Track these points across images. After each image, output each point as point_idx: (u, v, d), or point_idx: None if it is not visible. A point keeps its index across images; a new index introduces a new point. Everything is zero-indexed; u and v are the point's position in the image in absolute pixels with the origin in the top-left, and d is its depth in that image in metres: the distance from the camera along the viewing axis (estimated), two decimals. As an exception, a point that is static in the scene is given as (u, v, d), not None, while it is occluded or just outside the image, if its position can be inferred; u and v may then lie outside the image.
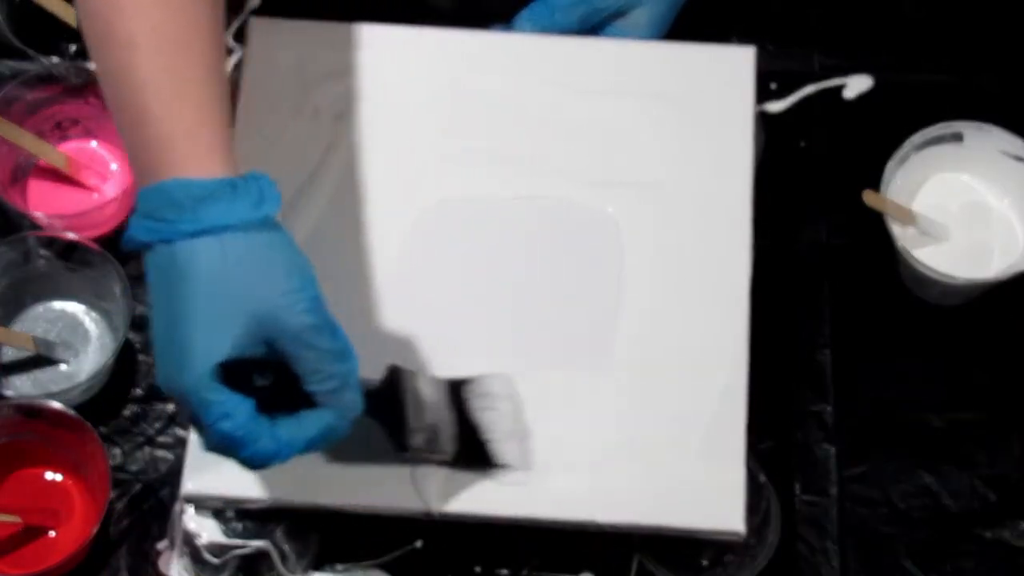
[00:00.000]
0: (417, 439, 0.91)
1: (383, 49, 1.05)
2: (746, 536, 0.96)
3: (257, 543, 0.98)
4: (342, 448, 0.95)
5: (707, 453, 0.96)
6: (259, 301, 0.80)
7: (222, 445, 0.81)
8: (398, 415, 0.91)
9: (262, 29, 1.06)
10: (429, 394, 0.93)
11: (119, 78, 0.83)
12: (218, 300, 0.80)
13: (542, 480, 0.96)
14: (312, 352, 0.81)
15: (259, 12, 1.17)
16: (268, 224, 0.82)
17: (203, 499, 0.97)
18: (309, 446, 0.83)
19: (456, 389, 0.94)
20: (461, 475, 0.96)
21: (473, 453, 0.94)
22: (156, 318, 0.81)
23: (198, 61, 0.83)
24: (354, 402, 0.83)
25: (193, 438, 0.96)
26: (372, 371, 0.91)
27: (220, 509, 1.01)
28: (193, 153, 0.81)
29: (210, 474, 0.95)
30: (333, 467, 0.96)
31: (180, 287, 0.80)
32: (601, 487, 0.96)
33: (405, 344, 0.99)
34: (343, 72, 1.05)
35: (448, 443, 0.93)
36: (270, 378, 0.83)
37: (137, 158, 0.83)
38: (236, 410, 0.80)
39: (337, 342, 0.82)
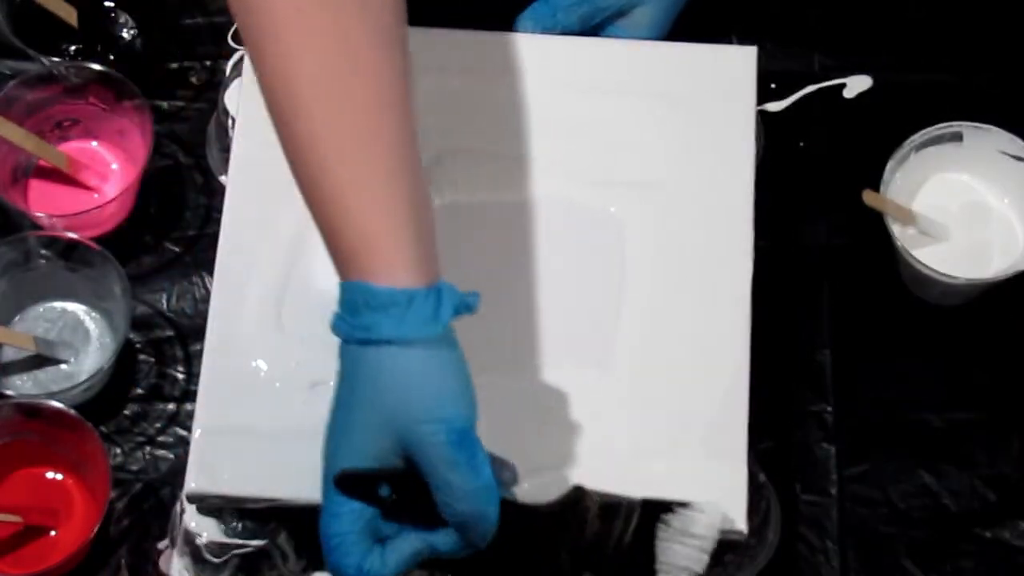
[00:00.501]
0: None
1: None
2: (746, 536, 0.96)
3: (257, 542, 0.98)
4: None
5: (708, 452, 0.96)
6: (401, 422, 0.80)
7: (322, 541, 0.82)
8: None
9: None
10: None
11: (302, 156, 0.83)
12: (366, 412, 0.81)
13: (543, 480, 0.96)
14: (446, 485, 0.81)
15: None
16: (439, 341, 0.82)
17: (206, 498, 0.97)
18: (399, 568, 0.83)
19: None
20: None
21: None
22: (334, 398, 0.84)
23: (388, 154, 0.83)
24: (481, 538, 0.83)
25: (196, 438, 0.96)
26: None
27: (222, 508, 1.00)
28: (379, 261, 0.81)
29: (213, 473, 0.95)
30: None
31: (348, 388, 0.82)
32: (602, 486, 0.96)
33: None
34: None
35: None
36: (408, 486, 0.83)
37: (329, 239, 0.84)
38: (345, 515, 0.82)
39: (476, 480, 0.81)
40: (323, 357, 0.98)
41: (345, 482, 0.81)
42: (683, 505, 0.94)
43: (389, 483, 0.83)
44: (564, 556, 0.96)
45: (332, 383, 0.97)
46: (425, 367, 0.81)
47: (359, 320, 0.81)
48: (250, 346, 0.98)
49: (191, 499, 0.97)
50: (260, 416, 0.97)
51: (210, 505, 0.98)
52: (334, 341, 0.98)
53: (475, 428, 0.82)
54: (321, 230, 0.84)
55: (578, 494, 0.94)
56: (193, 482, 0.96)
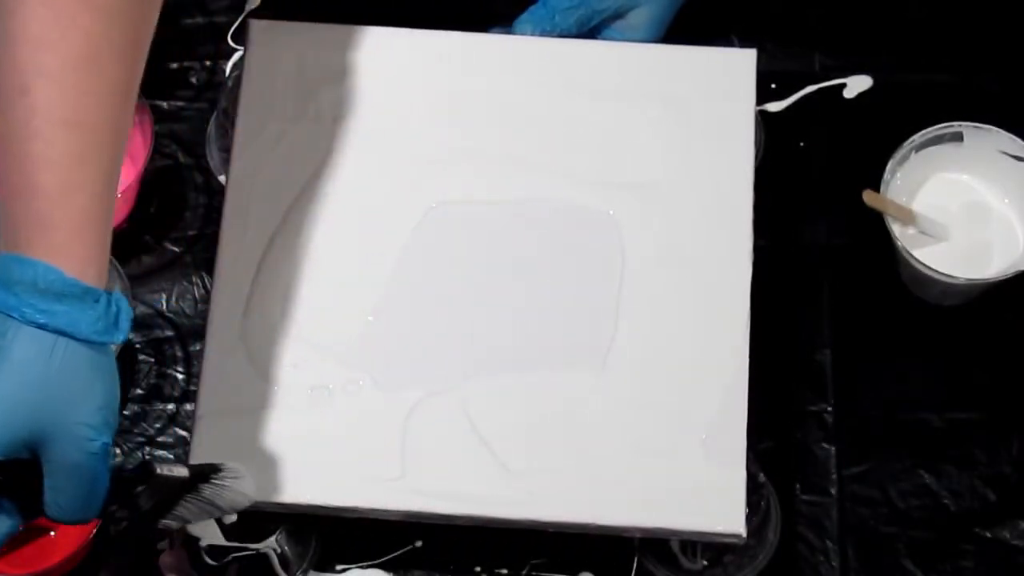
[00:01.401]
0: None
1: (383, 51, 1.05)
2: (745, 538, 0.96)
3: (257, 546, 0.98)
4: (345, 450, 0.96)
5: (708, 454, 0.96)
6: (55, 417, 0.78)
7: None
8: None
9: (262, 31, 1.06)
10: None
11: (11, 125, 0.79)
12: (19, 394, 0.77)
13: (543, 482, 0.96)
14: (71, 489, 0.79)
15: (258, 13, 1.17)
16: (106, 350, 0.80)
17: None
18: None
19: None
20: (461, 476, 0.96)
21: None
22: None
23: (104, 150, 0.80)
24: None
25: (198, 443, 0.96)
26: (385, 365, 0.93)
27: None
28: (73, 250, 0.79)
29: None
30: (336, 469, 0.96)
31: None
32: (602, 489, 0.96)
33: (405, 345, 0.99)
34: (343, 74, 1.05)
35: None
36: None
37: (13, 214, 0.80)
38: None
39: (96, 495, 0.80)
40: (321, 360, 0.98)
41: None
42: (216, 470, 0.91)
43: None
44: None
45: (331, 386, 0.98)
46: (96, 371, 0.79)
47: (38, 301, 0.77)
48: (249, 349, 0.98)
49: None
50: (259, 419, 0.97)
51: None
52: (332, 344, 0.99)
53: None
54: (10, 188, 0.79)
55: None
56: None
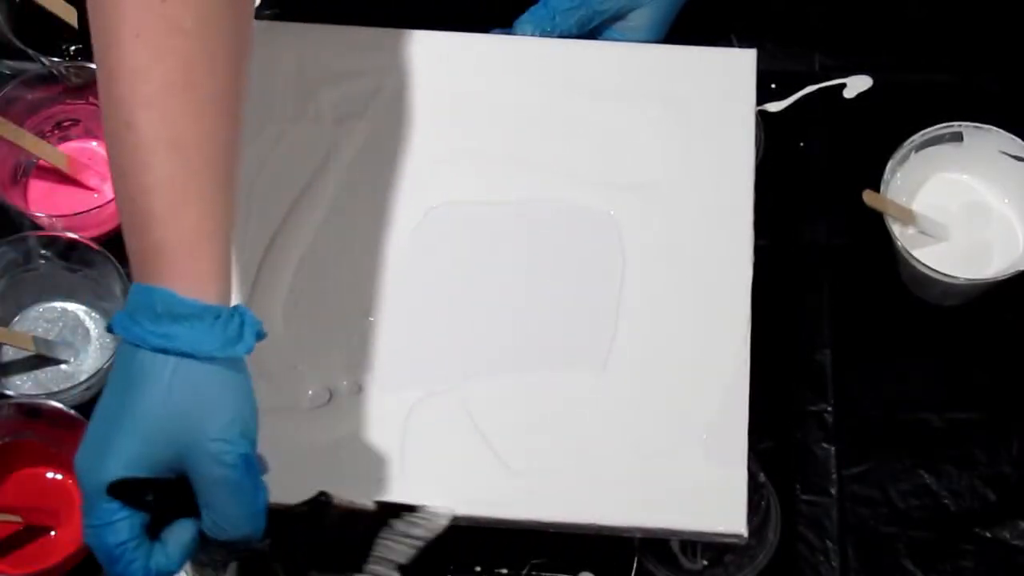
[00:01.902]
0: None
1: (384, 52, 1.05)
2: (746, 538, 0.96)
3: (257, 545, 0.97)
4: (347, 451, 0.95)
5: (709, 455, 0.96)
6: (190, 436, 0.78)
7: (99, 555, 0.80)
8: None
9: (262, 32, 1.06)
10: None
11: (123, 161, 0.80)
12: (152, 420, 0.78)
13: (544, 482, 0.96)
14: (223, 506, 0.79)
15: (258, 13, 1.17)
16: (236, 364, 0.80)
17: None
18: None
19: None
20: (462, 477, 0.96)
21: None
22: (101, 405, 0.80)
23: (209, 165, 0.81)
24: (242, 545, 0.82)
25: None
26: (385, 366, 0.94)
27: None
28: (187, 269, 0.79)
29: None
30: (337, 470, 0.96)
31: (129, 391, 0.78)
32: (602, 489, 0.96)
33: (406, 346, 0.99)
34: (344, 75, 1.05)
35: None
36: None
37: (132, 242, 0.81)
38: (121, 523, 0.79)
39: (252, 506, 0.80)
40: (324, 364, 0.98)
41: (119, 489, 0.78)
42: (412, 509, 0.93)
43: (154, 491, 0.80)
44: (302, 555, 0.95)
45: (332, 388, 0.98)
46: (222, 387, 0.79)
47: (157, 327, 0.78)
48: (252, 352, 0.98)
49: None
50: (260, 421, 0.97)
51: None
52: (335, 348, 0.99)
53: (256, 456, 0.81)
54: (129, 224, 0.81)
55: (323, 499, 0.92)
56: None
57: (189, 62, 0.80)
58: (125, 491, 0.79)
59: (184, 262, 0.79)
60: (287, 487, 0.95)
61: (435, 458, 0.96)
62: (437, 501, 0.95)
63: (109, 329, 0.80)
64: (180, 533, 0.81)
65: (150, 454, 0.78)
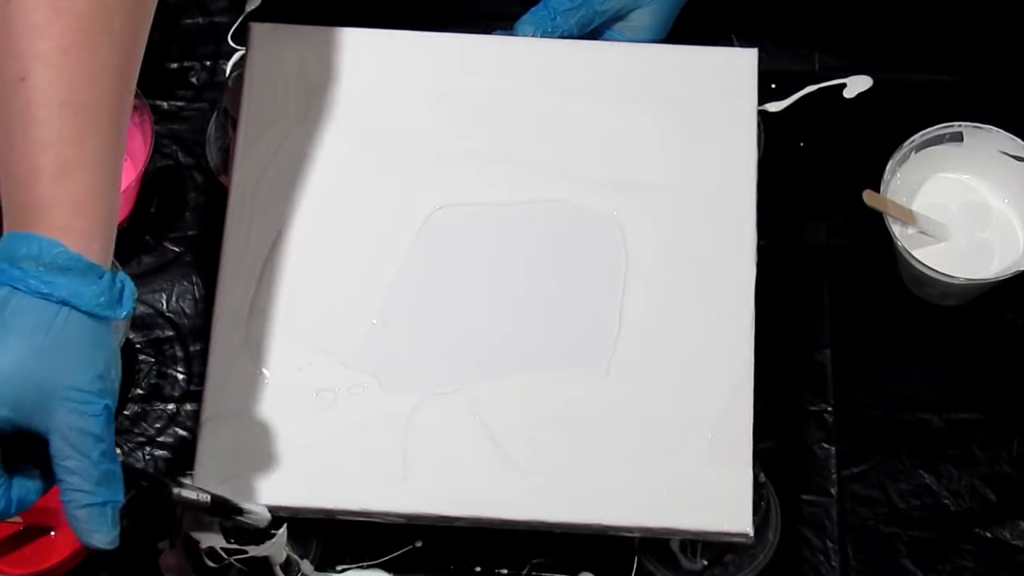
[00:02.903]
0: None
1: (385, 54, 1.05)
2: (752, 538, 0.96)
3: (257, 548, 0.97)
4: (350, 453, 0.96)
5: (713, 455, 0.96)
6: (56, 381, 0.78)
7: None
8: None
9: (263, 34, 1.06)
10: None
11: (12, 113, 0.80)
12: (21, 360, 0.78)
13: (549, 483, 0.96)
14: (76, 456, 0.79)
15: (258, 13, 1.17)
16: (107, 326, 0.80)
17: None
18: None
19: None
20: (463, 478, 0.96)
21: None
22: None
23: (101, 128, 0.81)
24: (101, 534, 0.81)
25: (203, 447, 0.96)
26: (389, 368, 0.95)
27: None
28: (73, 226, 0.79)
29: (220, 482, 0.95)
30: (340, 472, 0.96)
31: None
32: (608, 489, 0.95)
33: (410, 347, 0.99)
34: (345, 77, 1.04)
35: None
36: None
37: (15, 194, 0.80)
38: None
39: (108, 464, 0.80)
40: (325, 363, 0.98)
41: None
42: (239, 512, 0.94)
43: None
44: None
45: (336, 389, 0.98)
46: (96, 342, 0.79)
47: (42, 273, 0.78)
48: (254, 352, 0.98)
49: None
50: (264, 423, 0.97)
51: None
52: (337, 347, 0.99)
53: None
54: (14, 176, 0.80)
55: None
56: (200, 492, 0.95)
57: (88, 23, 0.81)
58: None
59: (70, 219, 0.79)
60: (291, 489, 0.96)
61: (438, 459, 0.96)
62: (442, 504, 0.95)
63: None
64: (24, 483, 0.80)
65: (11, 393, 0.78)
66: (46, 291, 0.78)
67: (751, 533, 0.95)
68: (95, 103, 0.81)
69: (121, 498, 0.81)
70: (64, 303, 0.79)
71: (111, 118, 0.82)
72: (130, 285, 0.81)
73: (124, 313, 0.81)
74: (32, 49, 0.80)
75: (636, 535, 0.97)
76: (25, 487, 0.81)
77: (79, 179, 0.80)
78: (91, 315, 0.79)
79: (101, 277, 0.80)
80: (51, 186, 0.79)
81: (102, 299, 0.79)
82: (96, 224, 0.80)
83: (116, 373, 0.81)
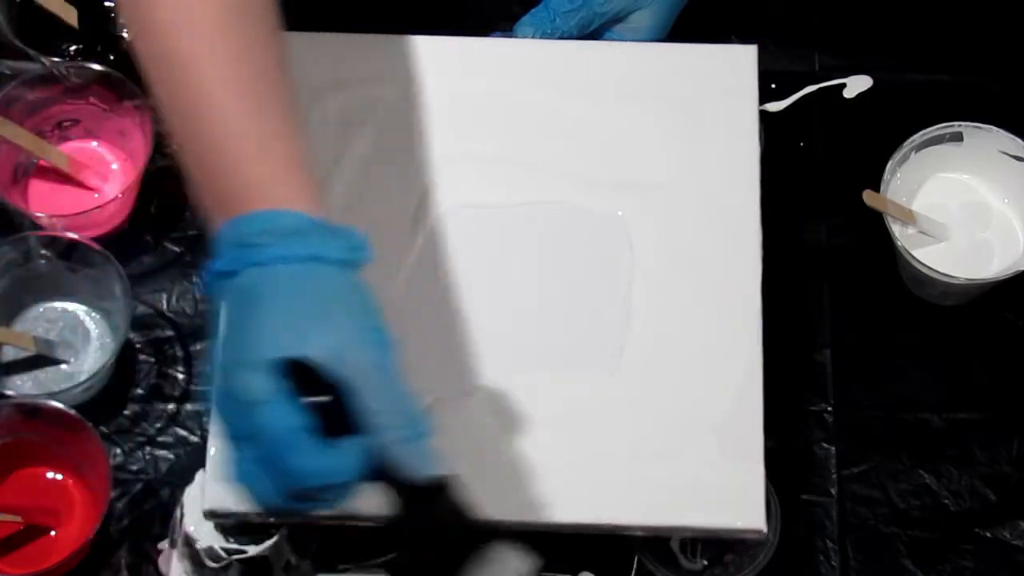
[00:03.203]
0: None
1: (387, 58, 1.05)
2: (766, 535, 0.96)
3: (257, 548, 0.97)
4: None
5: (725, 452, 0.96)
6: (336, 331, 0.77)
7: (270, 448, 0.75)
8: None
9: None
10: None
11: (188, 109, 0.82)
12: (298, 315, 0.77)
13: (557, 484, 0.95)
14: (383, 393, 0.76)
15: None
16: (356, 272, 0.80)
17: (223, 516, 0.96)
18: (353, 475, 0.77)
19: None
20: (473, 480, 0.95)
21: None
22: (229, 329, 0.77)
23: (277, 99, 0.82)
24: (426, 464, 0.78)
25: (212, 455, 0.96)
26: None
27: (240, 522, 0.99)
28: (289, 194, 0.80)
29: (231, 491, 0.94)
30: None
31: (263, 302, 0.77)
32: (621, 489, 0.95)
33: (415, 349, 0.98)
34: (348, 81, 1.04)
35: None
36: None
37: (217, 191, 0.81)
38: (294, 409, 0.75)
39: (406, 398, 0.77)
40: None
41: (285, 371, 0.75)
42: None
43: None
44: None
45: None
46: (355, 289, 0.79)
47: (281, 242, 0.77)
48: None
49: (208, 516, 0.96)
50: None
51: (229, 522, 0.97)
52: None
53: None
54: (208, 172, 0.81)
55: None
56: (210, 501, 0.95)
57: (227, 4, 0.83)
58: (292, 375, 0.75)
59: (285, 190, 0.80)
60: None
61: (450, 461, 0.96)
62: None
63: (207, 285, 0.79)
64: (353, 446, 0.76)
65: (306, 340, 0.76)
66: (291, 255, 0.77)
67: (765, 530, 0.95)
68: (267, 66, 0.83)
69: (425, 430, 0.78)
70: (314, 258, 0.78)
71: (281, 72, 0.83)
72: (355, 230, 0.81)
73: (365, 255, 0.80)
74: (188, 35, 0.82)
75: (648, 535, 0.97)
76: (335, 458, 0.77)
77: (278, 150, 0.81)
78: (343, 263, 0.79)
79: (331, 229, 0.80)
80: (256, 165, 0.80)
81: (347, 248, 0.80)
82: (309, 187, 0.81)
83: (378, 309, 0.80)
